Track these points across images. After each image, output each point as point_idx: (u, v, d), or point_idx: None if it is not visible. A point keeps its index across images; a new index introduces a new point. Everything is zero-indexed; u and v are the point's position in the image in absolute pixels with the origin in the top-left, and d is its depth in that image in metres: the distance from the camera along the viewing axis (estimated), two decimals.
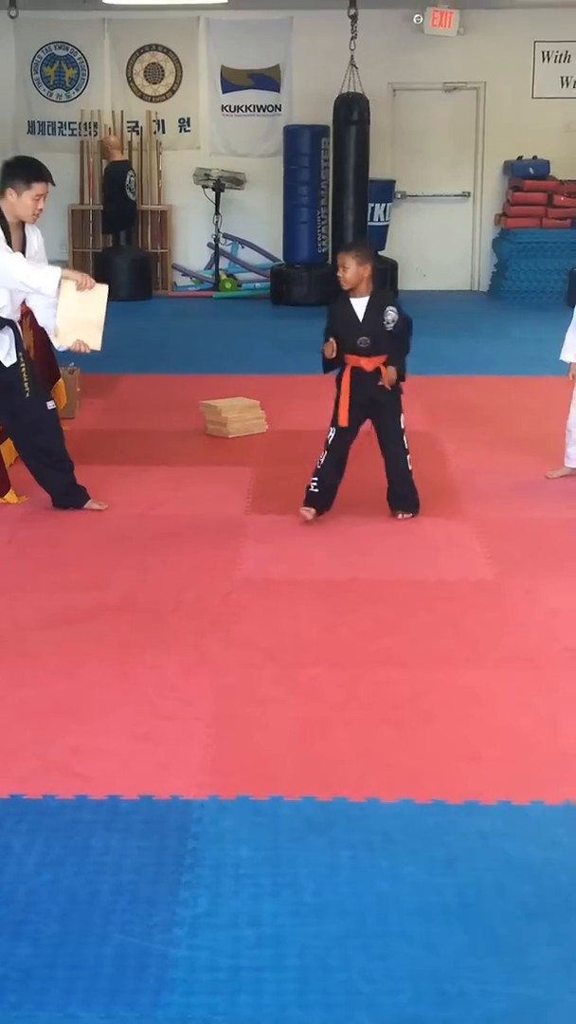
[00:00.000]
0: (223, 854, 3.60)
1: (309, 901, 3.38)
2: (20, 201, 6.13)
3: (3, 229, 6.14)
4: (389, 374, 6.31)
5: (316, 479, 6.49)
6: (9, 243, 6.15)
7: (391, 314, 6.35)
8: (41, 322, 6.45)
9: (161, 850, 3.58)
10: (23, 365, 6.40)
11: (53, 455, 6.52)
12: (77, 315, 6.20)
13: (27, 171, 6.16)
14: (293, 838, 3.68)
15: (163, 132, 14.44)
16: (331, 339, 6.30)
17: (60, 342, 6.29)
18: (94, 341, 6.22)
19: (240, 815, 3.81)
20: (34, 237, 6.38)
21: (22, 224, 6.26)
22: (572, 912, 3.36)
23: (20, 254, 6.17)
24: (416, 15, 13.25)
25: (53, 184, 6.24)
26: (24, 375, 6.37)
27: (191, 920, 3.29)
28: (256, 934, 3.25)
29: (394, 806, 3.85)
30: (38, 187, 6.15)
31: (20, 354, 6.39)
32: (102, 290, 6.26)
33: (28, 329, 8.06)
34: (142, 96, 14.39)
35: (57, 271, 6.18)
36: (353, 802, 3.87)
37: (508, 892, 3.43)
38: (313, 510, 6.49)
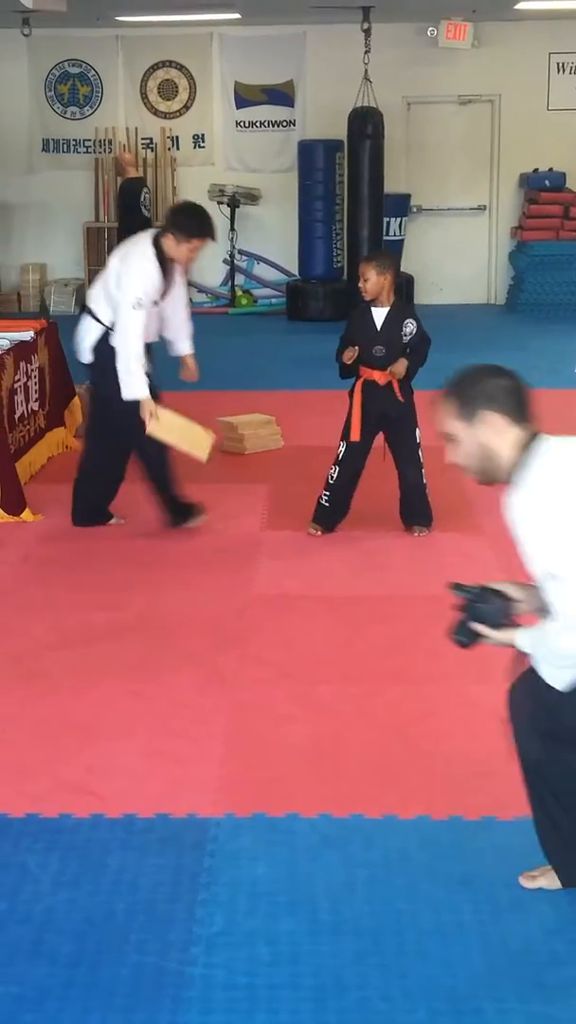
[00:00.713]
0: (239, 872, 3.59)
1: (325, 919, 3.37)
2: (178, 248, 6.24)
3: (160, 264, 6.23)
4: (397, 365, 6.28)
5: (327, 494, 6.49)
6: (164, 274, 6.26)
7: (410, 326, 6.34)
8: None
9: (177, 868, 3.58)
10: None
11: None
12: (184, 435, 6.40)
13: (191, 226, 6.25)
14: (309, 856, 3.67)
15: (177, 148, 14.48)
16: (352, 346, 6.30)
17: (206, 456, 6.52)
18: (203, 431, 6.47)
19: (256, 833, 3.80)
20: (180, 281, 6.50)
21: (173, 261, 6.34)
22: None
23: (139, 346, 6.21)
24: (430, 28, 13.27)
25: (214, 240, 6.41)
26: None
27: (207, 938, 3.29)
28: (272, 952, 3.24)
29: (411, 823, 3.84)
30: (197, 242, 6.27)
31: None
32: (166, 411, 6.36)
33: (44, 347, 8.10)
34: (156, 113, 14.44)
35: (140, 394, 6.19)
36: (369, 819, 3.86)
37: (525, 909, 3.41)
38: (320, 528, 6.49)
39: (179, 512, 6.57)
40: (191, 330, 6.62)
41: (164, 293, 6.32)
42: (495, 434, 3.11)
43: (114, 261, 6.43)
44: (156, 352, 6.52)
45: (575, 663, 3.13)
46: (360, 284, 6.32)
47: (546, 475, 3.02)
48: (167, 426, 6.30)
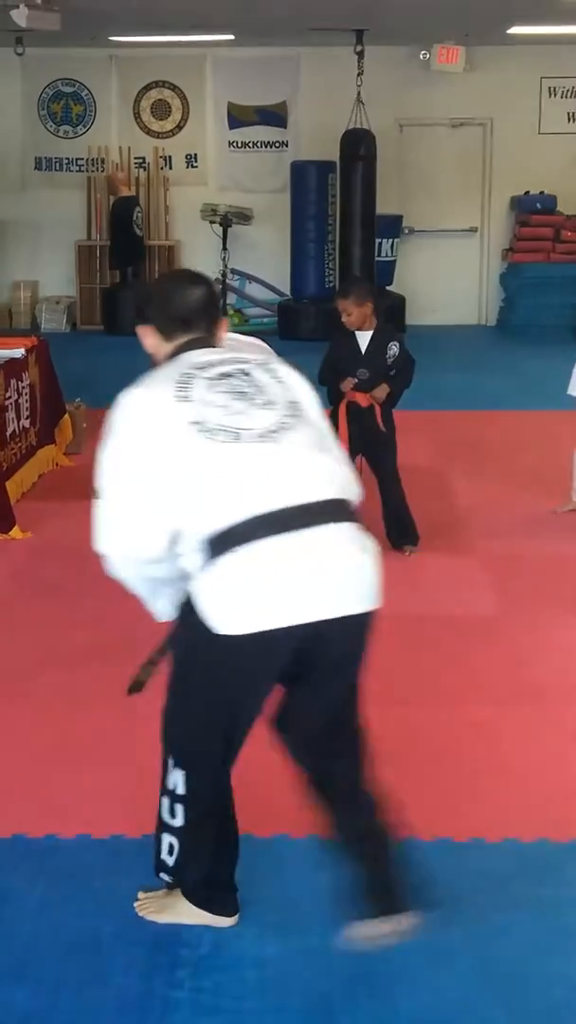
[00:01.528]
0: None
1: (315, 942, 3.34)
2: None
3: None
4: (379, 390, 6.30)
5: None
6: None
7: (394, 348, 6.37)
8: None
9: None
10: None
11: None
12: None
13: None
14: (298, 878, 3.64)
15: (170, 168, 14.51)
16: (347, 377, 6.32)
17: None
18: None
19: (244, 854, 3.76)
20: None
21: None
22: None
23: None
24: (423, 52, 13.33)
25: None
26: None
27: (194, 962, 3.25)
28: (260, 976, 3.21)
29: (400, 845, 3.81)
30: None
31: None
32: None
33: (34, 365, 8.09)
34: (149, 132, 14.47)
35: None
36: None
37: (515, 932, 3.38)
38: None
39: None
40: None
41: None
42: (153, 346, 3.21)
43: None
44: None
45: (132, 587, 3.20)
46: (344, 319, 6.35)
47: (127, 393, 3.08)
48: None
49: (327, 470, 2.97)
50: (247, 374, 3.03)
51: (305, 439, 2.96)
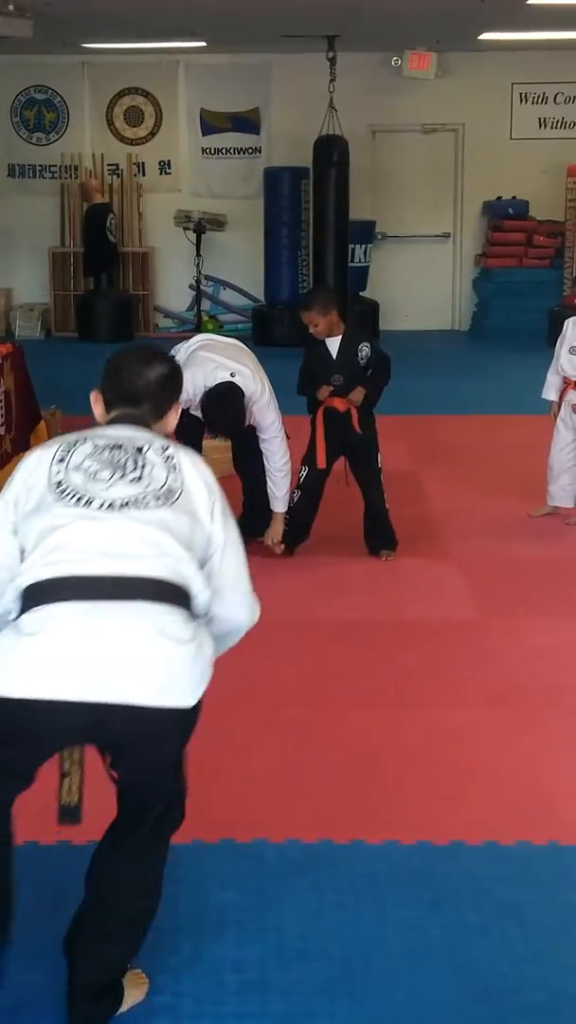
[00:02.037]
0: (206, 898, 3.56)
1: (294, 945, 3.35)
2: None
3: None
4: (355, 393, 6.33)
5: (287, 516, 6.52)
6: None
7: (364, 350, 6.41)
8: None
9: None
10: None
11: None
12: None
13: (205, 415, 6.18)
14: (277, 881, 3.65)
15: (143, 175, 14.50)
16: (322, 384, 6.36)
17: None
18: None
19: (223, 859, 3.77)
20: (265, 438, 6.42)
21: None
22: (559, 954, 3.34)
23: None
24: (394, 58, 13.35)
25: (236, 434, 6.41)
26: None
27: (174, 966, 3.26)
28: (240, 980, 3.21)
29: (379, 848, 3.83)
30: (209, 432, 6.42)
31: None
32: None
33: (9, 372, 8.08)
34: (122, 139, 14.46)
35: None
36: (338, 844, 3.84)
37: (494, 934, 3.40)
38: (283, 545, 6.52)
39: None
40: (282, 492, 6.43)
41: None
42: (99, 415, 3.13)
43: (197, 346, 6.46)
44: None
45: None
46: (311, 330, 6.38)
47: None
48: None
49: (162, 551, 2.81)
50: (139, 451, 2.93)
51: (155, 519, 2.83)
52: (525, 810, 4.06)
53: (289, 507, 6.52)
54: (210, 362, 6.20)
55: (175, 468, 2.94)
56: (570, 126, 14.29)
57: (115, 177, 14.43)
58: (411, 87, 13.67)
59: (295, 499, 6.52)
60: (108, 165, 14.43)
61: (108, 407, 3.09)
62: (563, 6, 9.72)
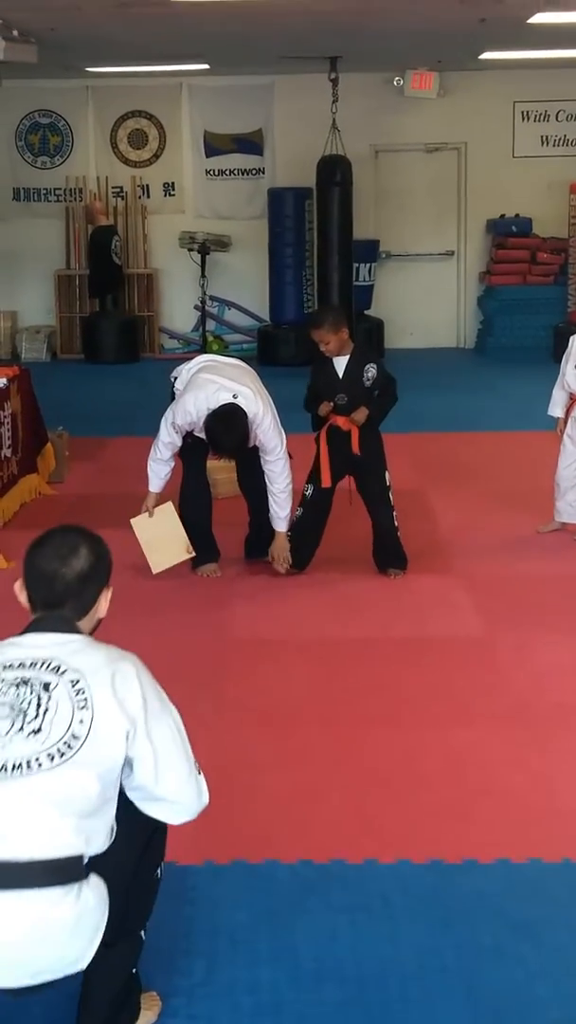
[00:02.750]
0: (219, 920, 3.56)
1: (307, 967, 3.34)
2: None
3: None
4: (358, 413, 6.34)
5: (290, 534, 6.52)
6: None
7: (371, 371, 6.42)
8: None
9: (156, 917, 3.50)
10: None
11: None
12: (159, 538, 6.54)
13: (210, 437, 6.22)
14: (290, 902, 3.64)
15: (148, 197, 14.56)
16: (325, 401, 6.37)
17: (157, 568, 6.55)
18: (185, 548, 6.55)
19: (236, 880, 3.77)
20: (269, 460, 6.43)
21: None
22: (573, 972, 3.32)
23: (165, 456, 6.46)
24: (396, 78, 13.42)
25: (225, 455, 6.41)
26: None
27: (187, 989, 3.25)
28: (254, 1002, 3.21)
29: (392, 867, 3.82)
30: (214, 453, 6.42)
31: None
32: (167, 508, 6.57)
33: (16, 394, 8.10)
34: (126, 162, 14.52)
35: (151, 490, 6.53)
36: (350, 864, 3.84)
37: (508, 953, 3.39)
38: (288, 563, 6.52)
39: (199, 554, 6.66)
40: (284, 513, 6.44)
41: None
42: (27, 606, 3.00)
43: (198, 368, 6.52)
44: None
45: None
46: (322, 348, 6.39)
47: None
48: (152, 523, 6.51)
49: (50, 828, 2.67)
50: (46, 689, 2.77)
51: (47, 789, 2.68)
52: (537, 828, 4.06)
53: (295, 524, 6.52)
54: (212, 384, 6.23)
55: (84, 705, 2.75)
56: (572, 143, 14.33)
57: (120, 199, 14.49)
58: (413, 107, 13.73)
59: (300, 516, 6.53)
60: (113, 187, 14.49)
61: (31, 603, 2.95)
62: (563, 25, 9.75)
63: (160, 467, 6.46)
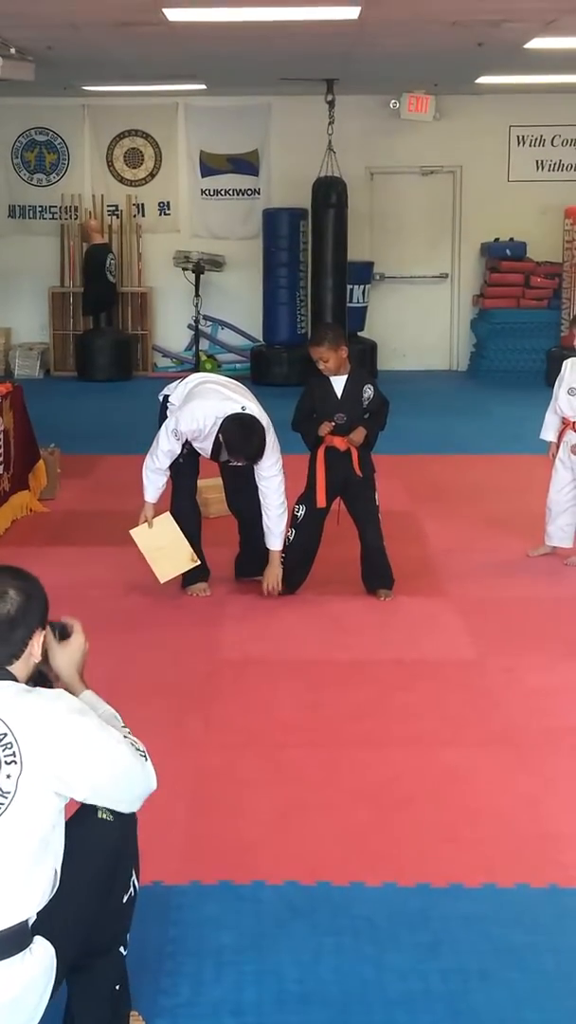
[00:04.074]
0: (204, 941, 3.54)
1: (292, 989, 3.32)
2: (222, 451, 6.28)
3: (216, 444, 6.30)
4: (356, 434, 6.34)
5: (283, 556, 6.52)
6: (217, 450, 6.34)
7: (368, 391, 6.42)
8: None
9: (141, 938, 3.49)
10: None
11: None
12: (161, 548, 6.50)
13: (229, 442, 6.16)
14: (276, 924, 3.62)
15: (143, 215, 14.59)
16: (321, 419, 6.36)
17: (164, 578, 6.53)
18: (189, 556, 6.52)
19: (222, 901, 3.75)
20: (266, 477, 6.38)
21: None
22: (560, 998, 3.31)
23: (163, 467, 6.41)
24: (392, 101, 13.46)
25: (248, 460, 6.25)
26: None
27: (171, 1009, 3.23)
28: (239, 1023, 3.18)
29: (378, 890, 3.80)
30: (235, 457, 6.25)
31: None
32: (166, 518, 6.54)
33: (9, 411, 8.10)
34: (122, 180, 14.55)
35: (148, 500, 6.47)
36: (336, 886, 3.82)
37: (494, 978, 3.37)
38: (280, 587, 6.52)
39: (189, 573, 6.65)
40: (280, 530, 6.42)
41: (224, 464, 6.47)
42: None
43: (198, 382, 6.54)
44: None
45: None
46: (321, 366, 6.39)
47: None
48: (153, 534, 6.47)
49: None
50: None
51: None
52: (525, 852, 4.04)
53: (287, 546, 6.52)
54: (217, 394, 6.28)
55: (13, 759, 2.67)
56: (567, 168, 14.40)
57: (115, 218, 14.52)
58: (409, 129, 13.78)
59: (292, 538, 6.52)
60: (108, 206, 14.52)
61: None
62: (559, 50, 9.81)
63: (157, 477, 6.43)
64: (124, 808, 2.91)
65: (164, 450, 6.36)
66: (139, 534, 6.51)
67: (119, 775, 2.84)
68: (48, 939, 2.74)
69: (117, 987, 3.00)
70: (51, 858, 2.75)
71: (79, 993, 2.93)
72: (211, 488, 8.21)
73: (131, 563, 7.03)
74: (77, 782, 2.75)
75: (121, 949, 2.99)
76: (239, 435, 6.13)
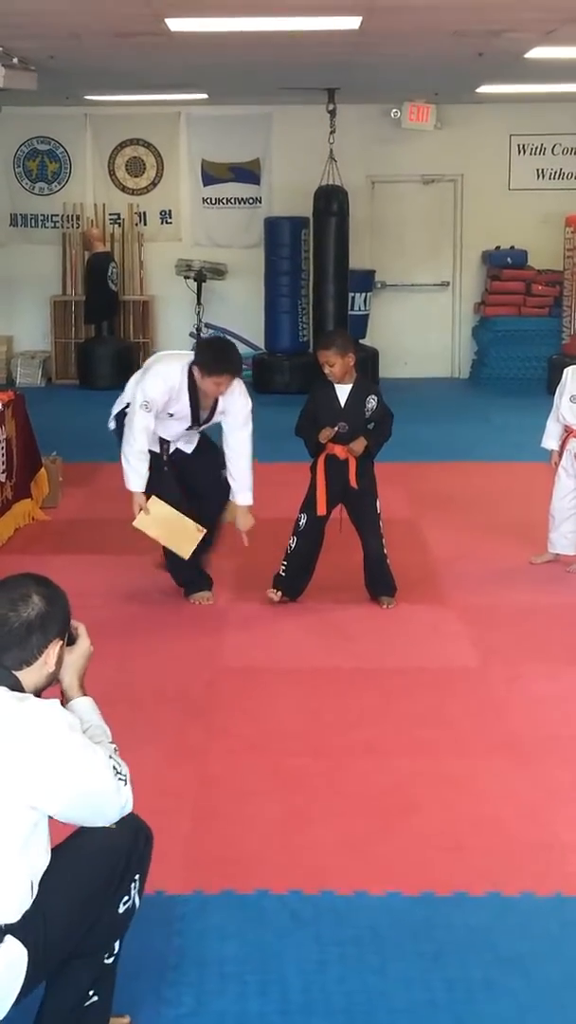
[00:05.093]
0: (208, 951, 3.53)
1: (296, 999, 3.31)
2: (202, 381, 6.23)
3: (191, 394, 6.27)
4: (356, 443, 6.34)
5: (285, 563, 6.52)
6: (195, 404, 6.30)
7: (372, 402, 6.42)
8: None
9: (144, 947, 3.50)
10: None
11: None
12: (170, 531, 6.45)
13: (207, 361, 6.20)
14: (280, 934, 3.61)
15: (144, 224, 14.60)
16: (323, 426, 6.36)
17: (187, 554, 6.47)
18: (196, 528, 6.44)
19: (225, 910, 3.74)
20: (237, 427, 6.42)
21: None
22: (564, 1008, 3.30)
23: (142, 438, 6.29)
24: (393, 110, 13.48)
25: (239, 376, 6.30)
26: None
27: (175, 1020, 3.23)
28: None
29: (382, 899, 3.79)
30: (216, 378, 6.21)
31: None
32: (156, 501, 6.44)
33: (11, 419, 8.10)
34: (124, 189, 14.57)
35: (134, 487, 6.38)
36: (340, 896, 3.81)
37: (498, 987, 3.36)
38: (280, 592, 6.51)
39: (191, 581, 6.64)
40: (249, 482, 6.48)
41: (199, 420, 6.40)
42: None
43: (151, 359, 6.57)
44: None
45: None
46: (326, 371, 6.39)
47: None
48: (155, 520, 6.40)
49: None
50: None
51: None
52: (529, 861, 4.03)
53: (287, 554, 6.51)
54: (170, 356, 6.43)
55: None
56: (568, 176, 14.40)
57: (116, 226, 14.54)
58: (410, 138, 13.80)
59: (292, 546, 6.52)
60: (110, 215, 14.54)
61: None
62: (559, 60, 9.82)
63: (138, 461, 6.30)
64: (90, 825, 2.89)
65: (140, 427, 6.25)
66: (143, 523, 6.41)
67: (92, 797, 2.81)
68: (32, 939, 2.74)
69: (91, 992, 2.96)
70: (26, 868, 2.74)
71: (49, 991, 2.93)
72: None
73: (133, 571, 7.04)
74: (49, 797, 2.74)
75: (106, 958, 2.96)
76: (215, 352, 6.22)
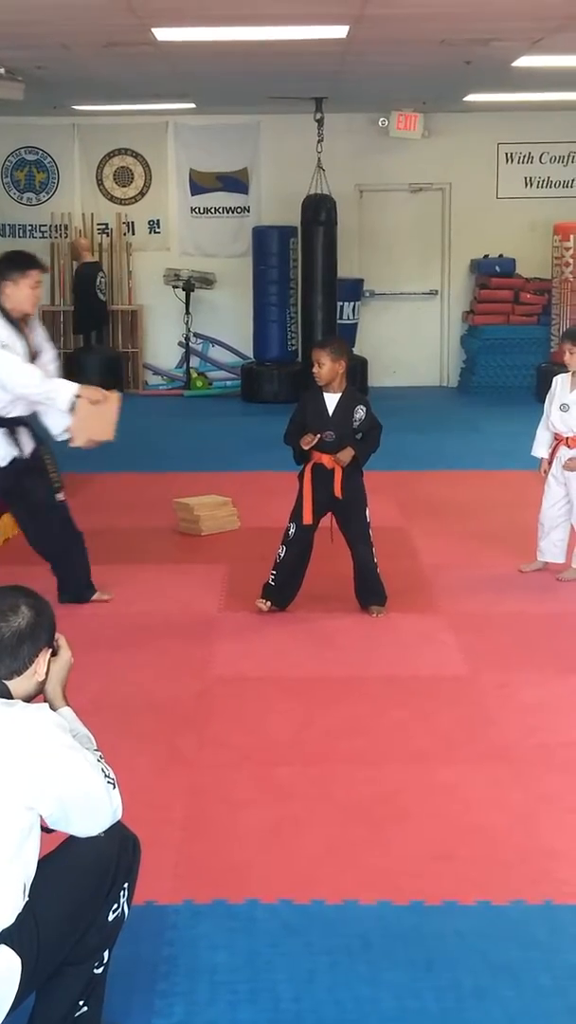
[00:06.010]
0: (198, 960, 3.53)
1: (287, 1008, 3.31)
2: (18, 290, 6.17)
3: (12, 326, 6.19)
4: (343, 453, 6.34)
5: (274, 573, 6.52)
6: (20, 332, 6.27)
7: (360, 412, 6.42)
8: (47, 423, 6.49)
9: (135, 957, 3.50)
10: (47, 457, 6.56)
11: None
12: (91, 422, 6.39)
13: (19, 262, 6.25)
14: (270, 943, 3.61)
15: (133, 234, 14.61)
16: (308, 433, 6.36)
17: (75, 443, 6.45)
18: (107, 435, 6.44)
19: (215, 920, 3.74)
20: (38, 330, 6.50)
21: (24, 319, 6.32)
22: (555, 1015, 3.30)
23: (32, 365, 6.25)
24: (381, 119, 13.52)
25: (46, 271, 6.31)
26: (48, 466, 6.55)
27: None
28: None
29: (372, 908, 3.79)
30: (33, 274, 6.21)
31: (40, 447, 6.52)
32: (114, 398, 6.48)
33: None
34: (112, 199, 14.58)
35: (72, 389, 6.31)
36: (330, 904, 3.81)
37: (489, 996, 3.36)
38: (269, 602, 6.51)
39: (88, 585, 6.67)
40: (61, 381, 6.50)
41: (33, 355, 6.36)
42: None
43: None
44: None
45: None
46: (314, 370, 6.39)
47: None
48: (99, 411, 6.39)
49: None
50: None
51: None
52: (519, 868, 4.04)
53: (276, 563, 6.51)
54: None
55: None
56: (555, 185, 14.45)
57: (105, 236, 14.55)
58: (398, 147, 13.83)
59: (281, 555, 6.52)
60: (98, 224, 14.55)
61: None
62: (546, 69, 9.86)
63: (44, 380, 6.31)
64: (82, 833, 2.90)
65: (18, 363, 6.20)
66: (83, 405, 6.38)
67: (87, 797, 2.84)
68: (26, 948, 2.75)
69: (81, 1003, 2.97)
70: (19, 871, 2.75)
71: (40, 1001, 2.93)
72: (203, 505, 8.23)
73: (124, 580, 7.03)
74: (45, 796, 2.77)
75: (96, 967, 2.97)
76: (14, 254, 6.33)
